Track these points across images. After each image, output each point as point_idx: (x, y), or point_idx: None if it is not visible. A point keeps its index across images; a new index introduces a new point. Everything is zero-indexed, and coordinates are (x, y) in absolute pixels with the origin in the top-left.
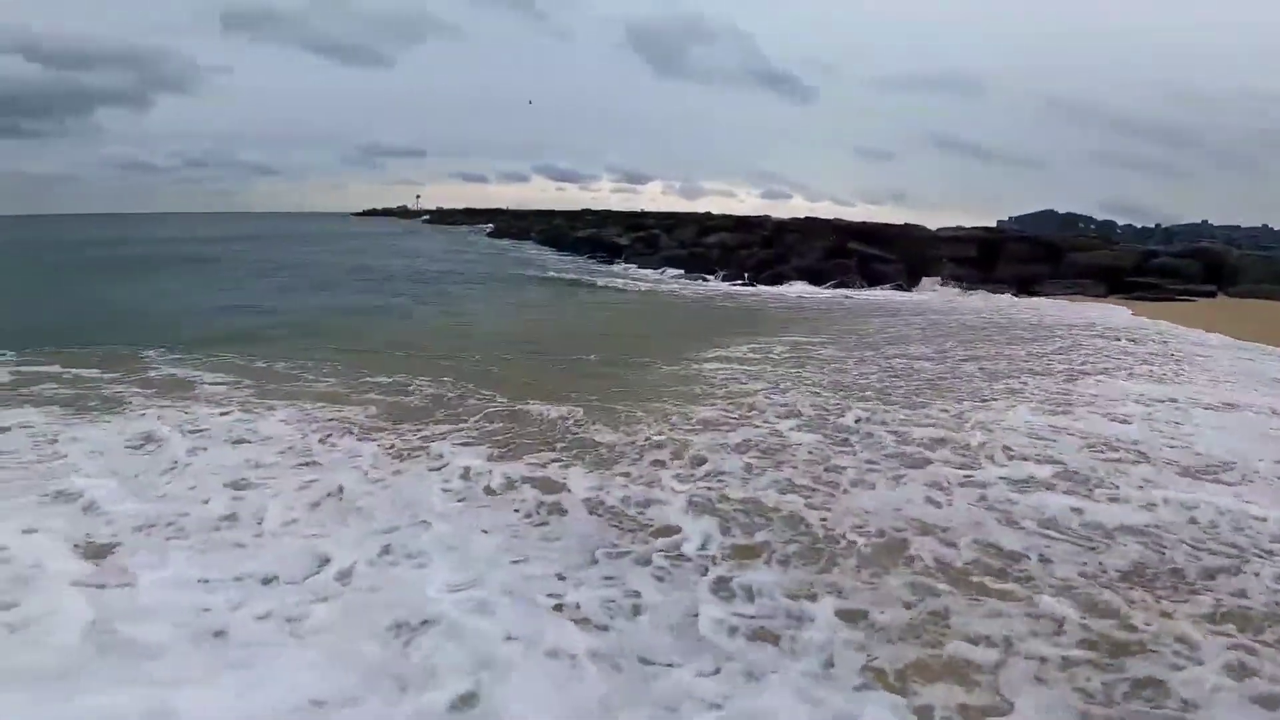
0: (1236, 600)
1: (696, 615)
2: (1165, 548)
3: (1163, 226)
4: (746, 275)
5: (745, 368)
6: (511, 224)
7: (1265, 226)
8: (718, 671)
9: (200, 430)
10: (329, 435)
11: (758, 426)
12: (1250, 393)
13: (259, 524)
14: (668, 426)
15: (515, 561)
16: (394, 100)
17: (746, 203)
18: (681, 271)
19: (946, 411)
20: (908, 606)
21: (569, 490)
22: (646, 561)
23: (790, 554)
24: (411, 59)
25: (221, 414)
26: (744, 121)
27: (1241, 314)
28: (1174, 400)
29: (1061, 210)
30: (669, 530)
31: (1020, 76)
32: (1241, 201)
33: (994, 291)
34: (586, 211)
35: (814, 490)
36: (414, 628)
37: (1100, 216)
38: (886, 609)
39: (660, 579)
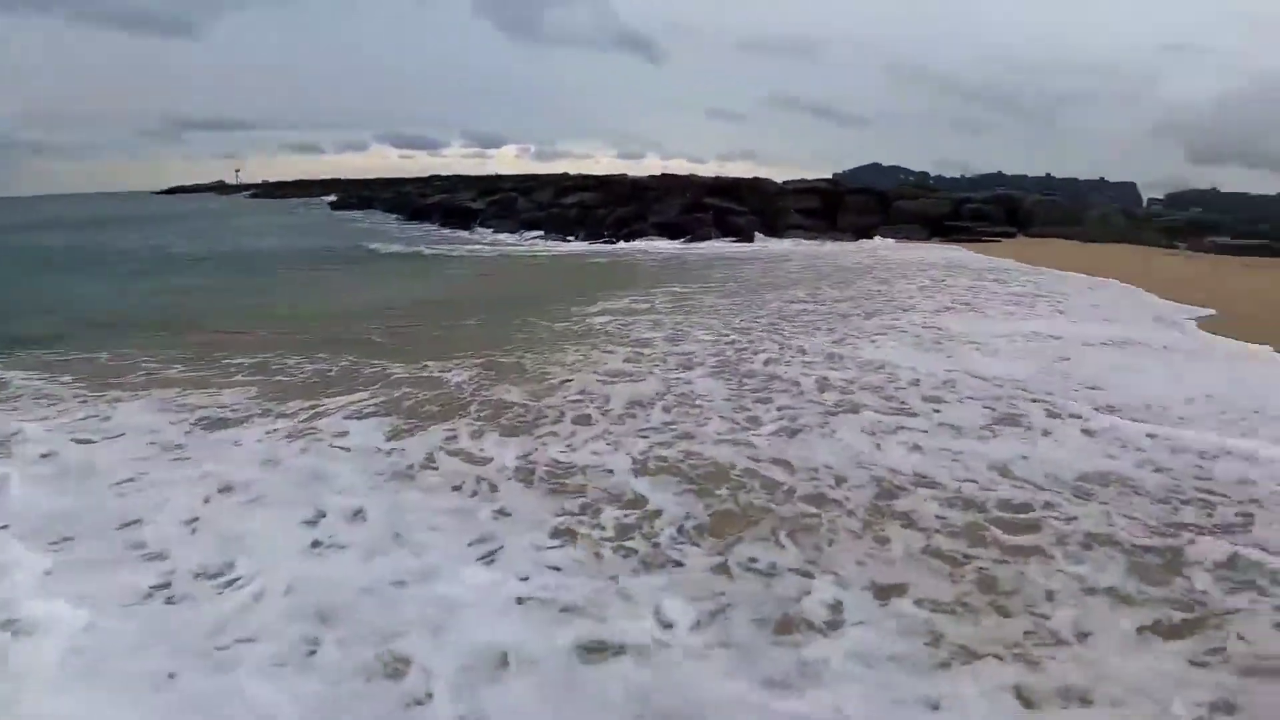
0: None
1: (704, 603)
2: (1150, 490)
3: (967, 176)
4: (607, 234)
5: (636, 319)
6: (353, 194)
7: (1048, 175)
8: (753, 668)
9: (48, 431)
10: (202, 423)
11: (668, 377)
12: (1121, 326)
13: (155, 527)
14: (578, 381)
15: (472, 544)
16: (204, 70)
17: (603, 163)
18: (541, 233)
19: (843, 354)
20: (948, 578)
21: (499, 460)
22: (620, 539)
23: (776, 521)
24: (226, 25)
25: (59, 411)
26: (600, 83)
27: (1044, 250)
28: (1056, 336)
29: (886, 164)
30: (633, 501)
31: (856, 40)
32: (1032, 153)
33: (838, 239)
34: (435, 178)
35: (752, 443)
36: (385, 638)
37: (917, 169)
38: (920, 580)
39: (645, 561)
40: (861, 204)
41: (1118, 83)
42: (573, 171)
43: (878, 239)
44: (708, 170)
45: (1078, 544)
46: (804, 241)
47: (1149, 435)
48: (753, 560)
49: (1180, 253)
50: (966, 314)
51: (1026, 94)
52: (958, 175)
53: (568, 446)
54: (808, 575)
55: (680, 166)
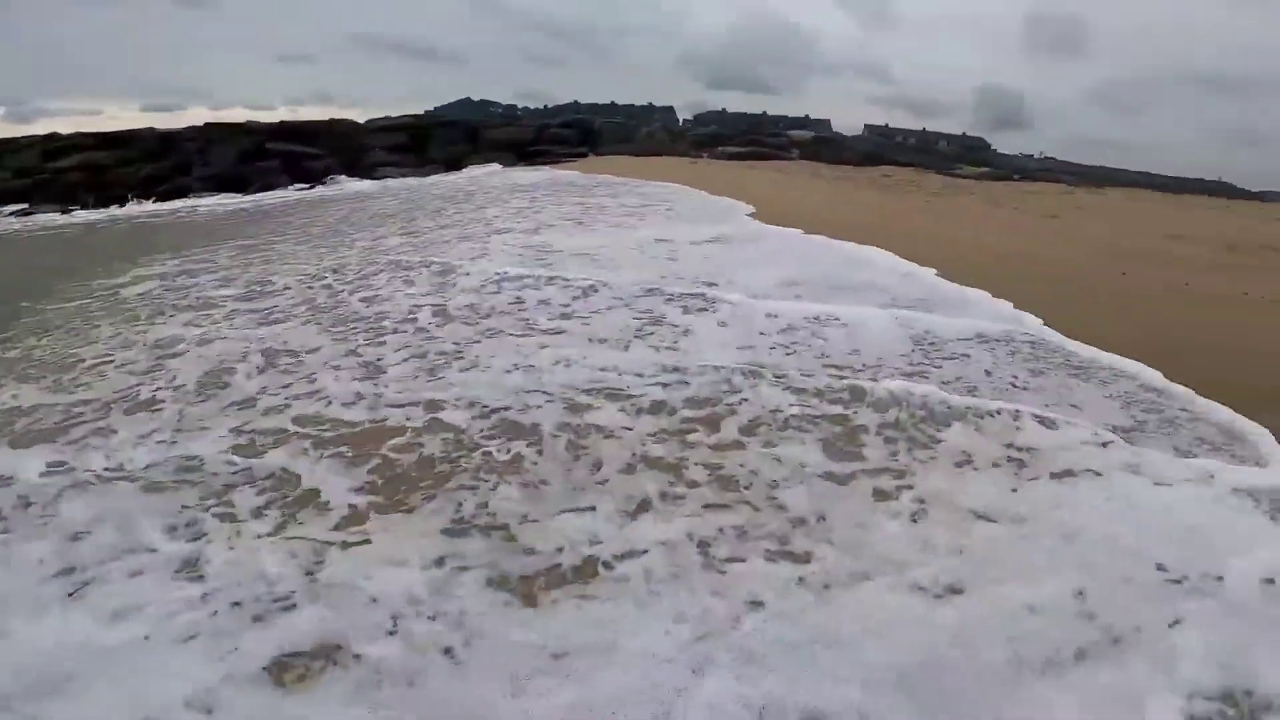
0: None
1: (425, 581)
2: (791, 368)
3: (549, 106)
4: (134, 196)
5: (195, 279)
6: None
7: (613, 102)
8: (513, 651)
9: None
10: None
11: (251, 336)
12: (709, 225)
13: None
14: (122, 362)
15: (57, 575)
16: None
17: (121, 119)
18: (25, 206)
19: (455, 282)
20: (681, 484)
21: (25, 477)
22: (279, 531)
23: (467, 468)
24: None
25: None
26: (109, 30)
27: (617, 164)
28: (667, 239)
29: (477, 98)
30: (276, 483)
31: None
32: (602, 83)
33: (430, 173)
34: None
35: (384, 392)
36: None
37: (506, 101)
38: (655, 493)
39: (320, 549)
40: (451, 137)
41: (657, 17)
42: (67, 130)
43: (472, 169)
44: (276, 117)
45: (768, 428)
46: (395, 179)
47: (768, 316)
48: (460, 520)
49: (704, 160)
50: (576, 229)
51: (593, 28)
52: (542, 105)
53: (135, 440)
54: (534, 520)
55: (238, 115)
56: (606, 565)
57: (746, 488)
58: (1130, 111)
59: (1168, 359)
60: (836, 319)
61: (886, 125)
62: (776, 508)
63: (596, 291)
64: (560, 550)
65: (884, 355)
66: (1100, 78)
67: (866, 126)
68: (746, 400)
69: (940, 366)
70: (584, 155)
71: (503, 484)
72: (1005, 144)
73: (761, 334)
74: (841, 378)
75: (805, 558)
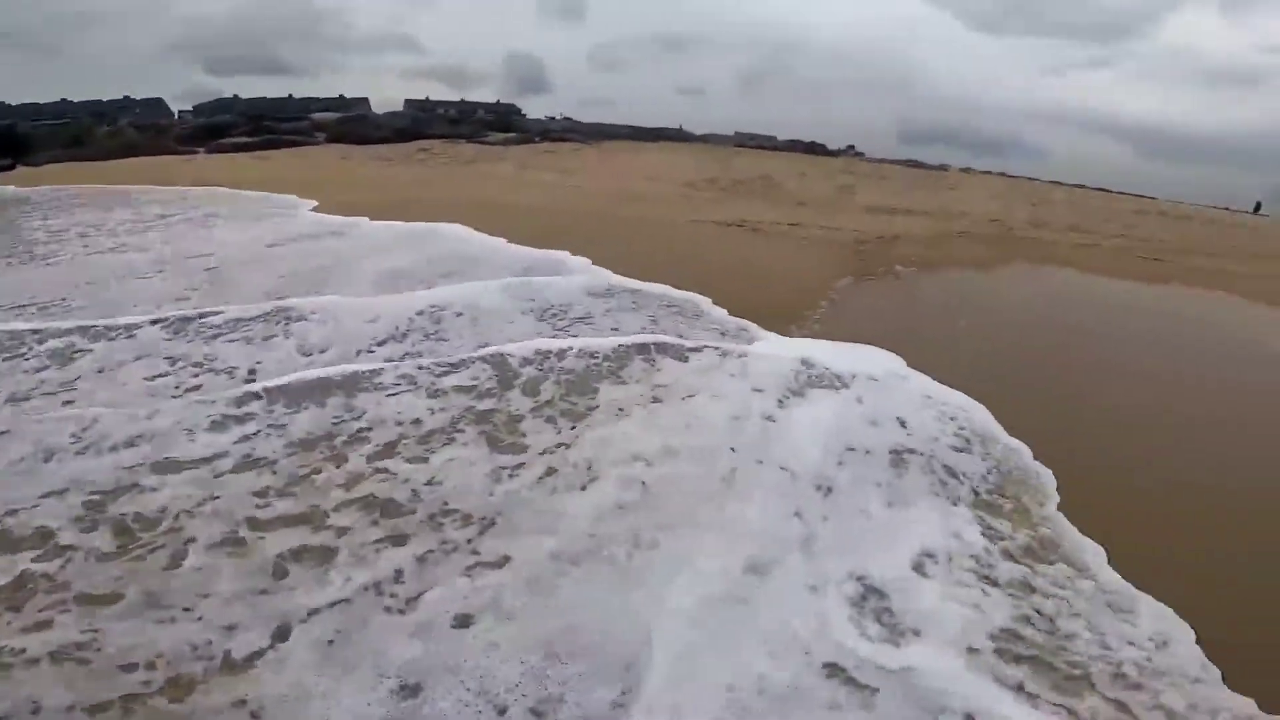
0: None
1: None
2: (434, 356)
3: None
4: None
5: None
6: None
7: (64, 100)
8: None
9: None
10: None
11: None
12: (273, 225)
13: None
14: None
15: None
16: None
17: None
18: None
19: None
20: (344, 531)
21: None
22: None
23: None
24: None
25: None
26: None
27: (63, 175)
28: (206, 254)
29: None
30: None
31: None
32: (42, 82)
33: None
34: None
35: None
36: None
37: None
38: (312, 557)
39: None
40: None
41: (135, 1)
42: None
43: None
44: None
45: (412, 443)
46: None
47: (370, 321)
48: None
49: (201, 156)
50: (24, 264)
51: (27, 20)
52: None
53: None
54: (112, 634)
55: None
56: (252, 657)
57: (413, 511)
58: (618, 71)
59: (696, 282)
60: (450, 306)
61: (427, 99)
62: (458, 520)
63: (81, 351)
64: (178, 657)
65: (514, 334)
66: (597, 41)
67: (406, 101)
68: (373, 422)
69: (576, 334)
70: (10, 168)
71: (11, 614)
72: (533, 108)
73: (362, 352)
74: (479, 367)
75: (502, 562)
